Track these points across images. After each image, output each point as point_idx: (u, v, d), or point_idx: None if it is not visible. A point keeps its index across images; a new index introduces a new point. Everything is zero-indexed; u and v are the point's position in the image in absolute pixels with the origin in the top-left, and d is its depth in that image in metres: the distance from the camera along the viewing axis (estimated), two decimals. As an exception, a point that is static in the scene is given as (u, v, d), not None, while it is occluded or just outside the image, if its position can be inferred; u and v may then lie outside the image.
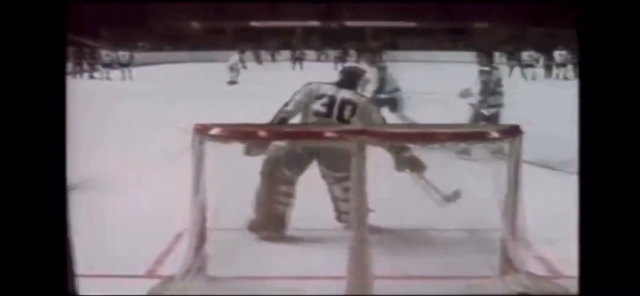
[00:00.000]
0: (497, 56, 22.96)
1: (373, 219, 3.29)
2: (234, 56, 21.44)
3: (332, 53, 32.05)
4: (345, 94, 4.15)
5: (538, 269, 3.50)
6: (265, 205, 4.12)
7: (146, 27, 39.09)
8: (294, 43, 37.66)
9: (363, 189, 2.98)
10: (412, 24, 41.87)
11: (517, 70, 23.71)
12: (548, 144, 6.60)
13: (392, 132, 3.68)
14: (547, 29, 33.61)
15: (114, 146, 7.50)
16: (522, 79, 21.99)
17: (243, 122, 3.43)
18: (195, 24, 43.85)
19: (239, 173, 3.60)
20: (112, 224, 4.25)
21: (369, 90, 6.61)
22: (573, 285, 2.30)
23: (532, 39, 30.95)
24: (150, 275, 3.46)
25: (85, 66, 24.26)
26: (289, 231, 4.17)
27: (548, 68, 24.45)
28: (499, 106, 7.28)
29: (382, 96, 8.54)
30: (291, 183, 4.14)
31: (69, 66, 20.37)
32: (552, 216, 4.05)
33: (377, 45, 36.19)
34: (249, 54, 30.48)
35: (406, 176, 4.08)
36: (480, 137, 3.58)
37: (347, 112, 4.07)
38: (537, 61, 24.16)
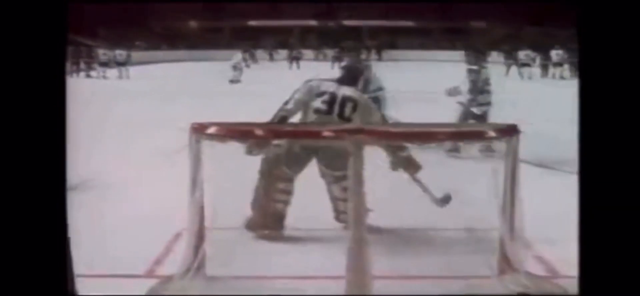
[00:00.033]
0: (494, 55, 23.15)
1: (372, 219, 3.29)
2: (237, 55, 21.35)
3: (330, 52, 32.03)
4: (346, 91, 4.13)
5: (537, 269, 3.50)
6: (264, 203, 4.11)
7: (144, 27, 38.96)
8: (291, 42, 37.63)
9: (361, 189, 2.97)
10: (409, 23, 41.89)
11: (513, 69, 23.76)
12: (544, 144, 6.62)
13: (390, 131, 3.68)
14: (543, 29, 33.64)
15: (111, 145, 7.46)
16: (518, 78, 22.04)
17: (241, 121, 3.42)
18: (193, 23, 43.75)
19: (237, 172, 3.60)
20: (111, 224, 4.23)
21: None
22: (572, 285, 2.31)
23: (528, 39, 30.96)
24: (149, 274, 3.46)
25: (82, 65, 24.15)
26: (288, 231, 4.15)
27: (544, 67, 24.48)
28: (488, 104, 7.31)
29: (365, 95, 8.50)
30: (289, 180, 4.12)
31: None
32: (552, 216, 4.05)
33: (374, 44, 36.28)
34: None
35: (405, 175, 4.08)
36: (478, 136, 3.58)
37: (348, 110, 4.05)
38: (533, 60, 24.18)
